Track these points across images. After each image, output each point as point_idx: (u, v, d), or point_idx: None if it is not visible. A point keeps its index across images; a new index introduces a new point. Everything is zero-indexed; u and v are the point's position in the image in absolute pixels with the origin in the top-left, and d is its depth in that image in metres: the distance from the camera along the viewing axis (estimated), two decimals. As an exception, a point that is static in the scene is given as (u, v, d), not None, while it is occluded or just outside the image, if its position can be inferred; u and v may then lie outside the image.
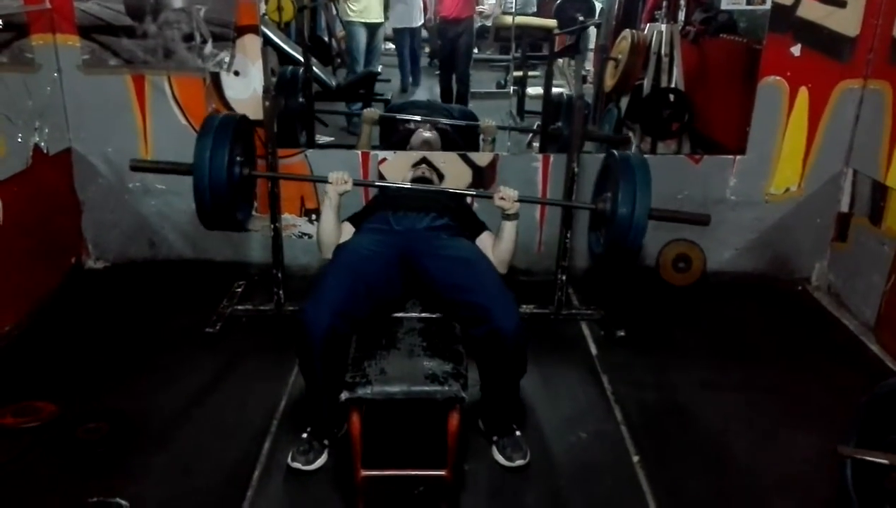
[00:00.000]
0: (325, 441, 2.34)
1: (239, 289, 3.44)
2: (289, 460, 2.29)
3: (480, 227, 2.71)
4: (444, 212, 2.66)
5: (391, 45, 4.95)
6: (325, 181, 2.57)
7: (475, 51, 4.74)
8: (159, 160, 3.04)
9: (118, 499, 2.10)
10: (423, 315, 2.41)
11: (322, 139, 3.94)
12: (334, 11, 4.67)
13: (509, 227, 2.55)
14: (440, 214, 2.63)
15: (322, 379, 2.23)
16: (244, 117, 2.76)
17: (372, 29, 4.74)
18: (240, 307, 3.27)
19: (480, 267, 2.45)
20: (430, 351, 2.18)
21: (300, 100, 3.81)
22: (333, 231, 2.57)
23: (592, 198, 2.77)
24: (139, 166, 2.77)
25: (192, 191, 2.51)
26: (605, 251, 2.71)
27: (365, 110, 3.74)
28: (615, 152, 2.67)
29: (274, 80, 3.59)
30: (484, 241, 2.64)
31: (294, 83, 3.83)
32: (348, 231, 2.64)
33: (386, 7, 4.78)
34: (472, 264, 2.43)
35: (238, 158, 2.64)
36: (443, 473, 2.09)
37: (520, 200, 2.54)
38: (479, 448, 2.40)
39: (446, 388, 2.04)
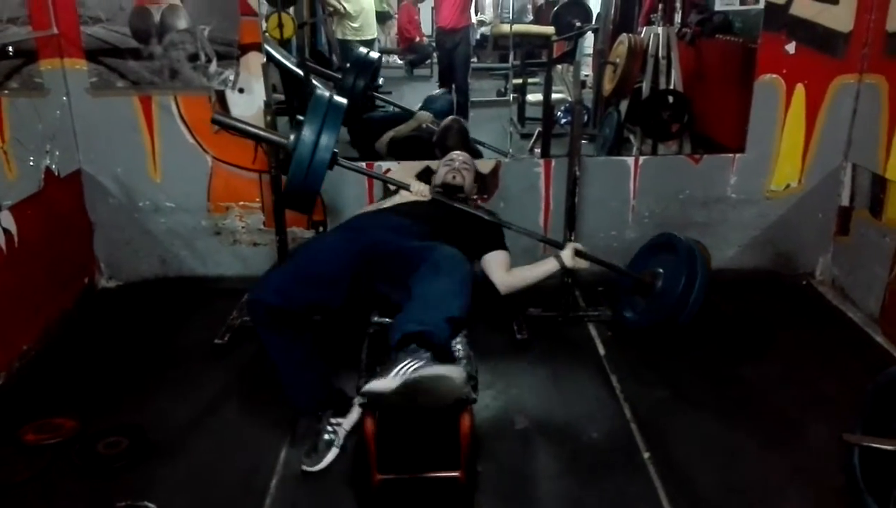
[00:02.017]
0: (326, 436, 2.36)
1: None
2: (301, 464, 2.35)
3: (498, 243, 2.74)
4: (440, 235, 2.50)
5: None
6: (406, 187, 2.72)
7: (474, 60, 4.79)
8: (247, 123, 2.53)
9: (146, 502, 2.16)
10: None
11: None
12: (333, 27, 4.72)
13: (549, 269, 2.69)
14: (433, 236, 2.49)
15: (278, 356, 2.32)
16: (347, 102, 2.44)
17: (368, 45, 4.80)
18: (248, 318, 3.30)
19: (443, 266, 2.19)
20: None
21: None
22: None
23: (633, 265, 2.81)
24: (222, 122, 2.39)
25: (290, 165, 2.26)
26: (651, 324, 2.93)
27: (421, 112, 4.05)
28: (680, 237, 2.80)
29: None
30: (495, 258, 2.68)
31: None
32: None
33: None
34: (431, 263, 2.20)
35: None
36: (457, 474, 2.13)
37: (585, 257, 2.71)
38: (491, 449, 2.43)
39: (457, 391, 2.07)
